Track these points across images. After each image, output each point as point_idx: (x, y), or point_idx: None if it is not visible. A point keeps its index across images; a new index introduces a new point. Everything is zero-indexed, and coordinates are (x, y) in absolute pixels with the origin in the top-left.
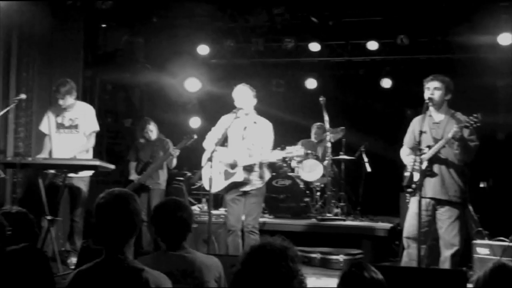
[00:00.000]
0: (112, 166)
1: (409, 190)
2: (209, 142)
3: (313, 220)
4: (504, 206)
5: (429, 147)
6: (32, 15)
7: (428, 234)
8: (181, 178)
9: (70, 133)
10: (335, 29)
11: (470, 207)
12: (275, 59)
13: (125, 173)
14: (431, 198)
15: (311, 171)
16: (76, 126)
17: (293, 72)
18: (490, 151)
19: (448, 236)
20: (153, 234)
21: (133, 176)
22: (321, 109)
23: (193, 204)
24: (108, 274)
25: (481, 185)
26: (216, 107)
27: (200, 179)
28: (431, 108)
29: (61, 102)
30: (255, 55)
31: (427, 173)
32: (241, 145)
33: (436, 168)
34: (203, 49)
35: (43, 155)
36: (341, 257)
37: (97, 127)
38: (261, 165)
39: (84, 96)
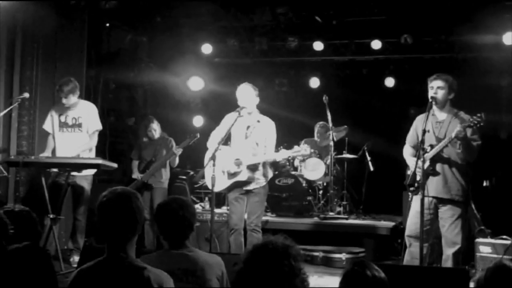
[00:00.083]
0: (115, 165)
1: (412, 188)
2: (213, 141)
3: (316, 219)
4: (506, 205)
5: (432, 146)
6: (36, 14)
7: (430, 233)
8: (184, 177)
9: (73, 132)
10: (338, 28)
11: (473, 206)
12: (278, 58)
13: (128, 171)
14: (434, 197)
15: (314, 170)
16: (79, 125)
17: (296, 71)
18: (493, 150)
19: (450, 234)
20: (156, 232)
21: (136, 175)
22: (324, 108)
23: (196, 203)
24: (110, 272)
25: (484, 184)
26: (219, 106)
27: (203, 177)
28: (434, 107)
29: (64, 101)
30: (258, 54)
31: (430, 172)
32: (244, 144)
33: (438, 167)
34: (206, 48)
35: (46, 153)
36: (343, 256)
37: (100, 126)
38: (264, 164)
39: (87, 95)
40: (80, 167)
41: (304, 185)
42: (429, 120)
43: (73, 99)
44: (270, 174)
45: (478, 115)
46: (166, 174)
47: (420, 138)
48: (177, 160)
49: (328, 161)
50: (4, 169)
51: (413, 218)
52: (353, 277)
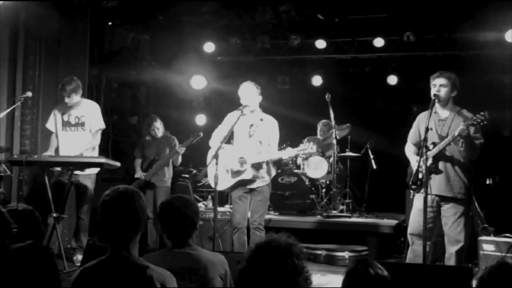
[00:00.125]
0: (118, 164)
1: (414, 186)
2: (215, 140)
3: (319, 217)
4: (510, 203)
5: (434, 144)
6: (38, 13)
7: (432, 231)
8: (187, 176)
9: (76, 131)
10: (341, 26)
11: (476, 204)
12: (281, 56)
13: (131, 170)
14: (436, 195)
15: (317, 168)
16: (82, 124)
17: (299, 69)
18: (496, 148)
19: (453, 232)
20: (159, 231)
21: (139, 174)
22: (326, 106)
23: (199, 201)
24: (112, 271)
25: (487, 181)
26: (222, 104)
27: (206, 176)
28: (437, 105)
29: (67, 100)
30: (261, 53)
31: (432, 170)
32: (248, 142)
33: (441, 165)
34: (209, 47)
35: (49, 152)
36: (346, 254)
37: (103, 125)
38: (268, 162)
39: (90, 94)
40: (83, 166)
41: (307, 183)
42: (432, 118)
43: (75, 98)
44: (274, 172)
45: (482, 113)
46: (169, 172)
47: (423, 136)
48: (180, 159)
49: (331, 160)
50: (7, 168)
51: (416, 216)
52: (356, 275)
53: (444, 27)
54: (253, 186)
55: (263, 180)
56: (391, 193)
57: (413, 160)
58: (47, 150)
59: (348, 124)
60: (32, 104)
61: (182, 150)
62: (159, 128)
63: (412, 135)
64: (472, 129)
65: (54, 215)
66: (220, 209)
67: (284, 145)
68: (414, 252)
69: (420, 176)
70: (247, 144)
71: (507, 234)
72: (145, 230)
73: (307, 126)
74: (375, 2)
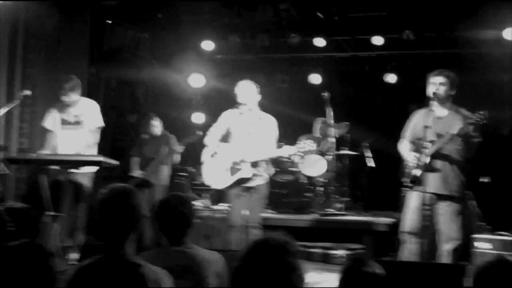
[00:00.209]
0: (116, 162)
1: (409, 184)
2: (211, 138)
3: (315, 215)
4: (505, 201)
5: (432, 142)
6: (38, 12)
7: (427, 229)
8: (184, 174)
9: (75, 130)
10: (340, 24)
11: (474, 202)
12: (280, 55)
13: (128, 169)
14: (432, 193)
15: (314, 166)
16: (80, 122)
17: (298, 67)
18: (495, 146)
19: (450, 230)
20: (156, 230)
21: (135, 172)
22: (325, 104)
23: (196, 200)
24: (108, 269)
25: (484, 180)
26: (221, 103)
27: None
28: (435, 103)
29: (65, 98)
30: (260, 51)
31: (429, 168)
32: (246, 140)
33: (438, 163)
34: (208, 45)
35: (47, 151)
36: (342, 252)
37: (101, 123)
38: (266, 160)
39: (89, 92)
40: (81, 164)
41: (304, 181)
42: (429, 116)
43: (74, 96)
44: (272, 170)
45: (481, 112)
46: (166, 171)
47: (420, 134)
48: (178, 157)
49: (329, 158)
50: (4, 167)
51: (411, 214)
52: (352, 273)
53: (443, 26)
54: (252, 184)
55: (262, 178)
56: (389, 192)
57: (409, 157)
58: (45, 148)
59: (347, 122)
60: (31, 102)
61: (180, 148)
62: (157, 126)
63: (408, 133)
64: (470, 128)
65: (51, 213)
66: (217, 207)
67: (283, 143)
68: (410, 251)
69: (418, 173)
70: (246, 143)
71: (502, 232)
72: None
73: (306, 124)
74: (374, 0)
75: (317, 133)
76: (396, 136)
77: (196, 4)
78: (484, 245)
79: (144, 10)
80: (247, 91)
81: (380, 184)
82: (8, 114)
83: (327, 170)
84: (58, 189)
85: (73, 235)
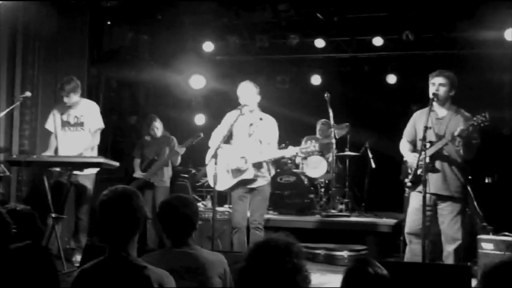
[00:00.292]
0: (117, 164)
1: (409, 184)
2: (214, 140)
3: (318, 217)
4: (508, 202)
5: (431, 143)
6: (37, 13)
7: (429, 229)
8: (186, 175)
9: (76, 131)
10: (340, 25)
11: (475, 203)
12: (280, 56)
13: (130, 170)
14: (433, 194)
15: (316, 168)
16: (81, 124)
17: (298, 68)
18: (496, 147)
19: (451, 230)
20: (158, 231)
21: (138, 174)
22: (325, 105)
23: (198, 201)
24: (111, 271)
25: (486, 180)
26: (221, 104)
27: (205, 176)
28: (434, 104)
29: (65, 99)
30: (260, 52)
31: (429, 168)
32: (248, 142)
33: (438, 164)
34: (207, 46)
35: (48, 153)
36: (345, 253)
37: (102, 125)
38: (267, 161)
39: (89, 94)
40: (82, 166)
41: (306, 182)
42: (430, 116)
43: (74, 98)
44: (273, 171)
45: (483, 114)
46: (168, 172)
47: (420, 135)
48: (179, 159)
49: (330, 159)
50: (6, 169)
51: (413, 215)
52: (355, 274)
53: (443, 26)
54: (254, 185)
55: (264, 179)
56: (390, 192)
57: (409, 157)
58: (46, 150)
59: (347, 123)
60: (31, 104)
61: (181, 150)
62: (158, 127)
63: (408, 133)
64: (471, 129)
65: (53, 215)
66: (219, 209)
67: (284, 144)
68: (413, 251)
69: (418, 174)
70: (247, 144)
71: (506, 233)
72: (144, 230)
73: (306, 125)
74: (374, 1)
75: (318, 134)
76: (396, 136)
77: (195, 5)
78: (488, 245)
79: (143, 11)
80: (248, 92)
81: (381, 185)
82: (9, 116)
83: (328, 171)
84: (60, 191)
85: (76, 236)
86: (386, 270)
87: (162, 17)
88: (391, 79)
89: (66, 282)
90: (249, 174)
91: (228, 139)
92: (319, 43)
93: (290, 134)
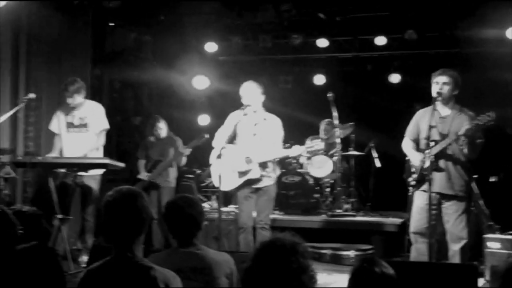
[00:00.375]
0: (122, 164)
1: (413, 183)
2: (219, 140)
3: (323, 216)
4: None
5: (435, 142)
6: (40, 14)
7: (434, 228)
8: (191, 176)
9: (80, 132)
10: (342, 25)
11: (481, 201)
12: (282, 56)
13: (134, 171)
14: (437, 193)
15: (321, 167)
16: (85, 125)
17: (301, 68)
18: (500, 145)
19: (456, 229)
20: (164, 231)
21: (142, 174)
22: (329, 105)
23: (203, 202)
24: (117, 272)
25: (492, 179)
26: (225, 104)
27: (209, 176)
28: (438, 103)
29: (70, 101)
30: (262, 52)
31: (433, 167)
32: (252, 141)
33: (442, 163)
34: (210, 46)
35: (54, 154)
36: (352, 253)
37: (106, 125)
38: (272, 161)
39: (92, 95)
40: (88, 167)
41: (311, 182)
42: (434, 115)
43: (78, 99)
44: (278, 171)
45: (488, 113)
46: (173, 173)
47: (422, 133)
48: (184, 160)
49: (335, 158)
50: (11, 170)
51: (417, 214)
52: (361, 274)
53: (446, 25)
54: (260, 185)
55: (270, 179)
56: (395, 192)
57: (412, 155)
58: (51, 151)
59: (351, 123)
60: (36, 105)
61: (187, 151)
62: (162, 128)
63: (410, 131)
64: (476, 129)
65: (59, 216)
66: (225, 209)
67: (288, 144)
68: (418, 250)
69: (422, 173)
70: (251, 144)
71: None
72: (150, 230)
73: (310, 125)
74: (376, 0)
75: (323, 134)
76: (400, 135)
77: (198, 6)
78: (494, 244)
79: (146, 12)
80: (251, 92)
81: (387, 184)
82: (13, 117)
83: (333, 171)
84: (65, 192)
85: (82, 237)
86: (393, 270)
87: (165, 17)
88: (394, 78)
89: (72, 283)
90: (254, 174)
91: (232, 139)
92: (322, 43)
93: (293, 135)
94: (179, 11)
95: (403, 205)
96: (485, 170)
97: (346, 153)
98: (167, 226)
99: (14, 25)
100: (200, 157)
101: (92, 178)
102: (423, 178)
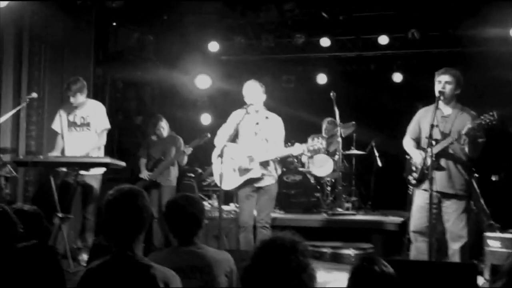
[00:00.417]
0: (123, 164)
1: (413, 182)
2: (220, 139)
3: (324, 215)
4: None
5: (437, 141)
6: (43, 14)
7: (434, 227)
8: (192, 175)
9: (82, 131)
10: (345, 24)
11: (482, 201)
12: (285, 55)
13: (136, 170)
14: (438, 192)
15: (322, 166)
16: (87, 124)
17: (303, 67)
18: (502, 145)
19: (456, 228)
20: (164, 230)
21: (144, 173)
22: (331, 104)
23: (204, 200)
24: (117, 271)
25: (493, 178)
26: (227, 103)
27: (211, 175)
28: (440, 102)
29: (72, 100)
30: (265, 51)
31: (434, 166)
32: (254, 140)
33: (443, 162)
34: (213, 46)
35: (55, 153)
36: (352, 252)
37: (108, 125)
38: (274, 160)
39: (95, 94)
40: (89, 166)
41: (312, 181)
42: (436, 114)
43: (81, 98)
44: (279, 170)
45: (491, 113)
46: (174, 172)
47: (425, 132)
48: (186, 159)
49: (336, 157)
50: (13, 169)
51: (417, 213)
52: (361, 272)
53: (448, 24)
54: (261, 184)
55: (271, 178)
56: (396, 191)
57: (414, 154)
58: (52, 150)
59: (353, 122)
60: (38, 105)
61: (188, 150)
62: (164, 127)
63: (412, 130)
64: (478, 128)
65: (60, 215)
66: (225, 207)
67: (289, 143)
68: (418, 249)
69: (423, 171)
70: (253, 143)
71: None
72: (150, 229)
73: (312, 124)
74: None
75: (325, 133)
76: (402, 135)
77: (200, 5)
78: (494, 243)
79: (149, 12)
80: (253, 91)
81: (388, 183)
82: (15, 116)
83: (334, 170)
84: (66, 190)
85: (82, 236)
86: (392, 268)
87: (168, 17)
88: (397, 77)
89: (72, 281)
90: (256, 173)
91: (234, 138)
92: (325, 42)
93: (295, 133)
94: (182, 10)
95: (404, 204)
96: (486, 169)
97: (348, 152)
98: (167, 225)
99: (17, 24)
100: (202, 156)
101: (93, 177)
102: (424, 176)
